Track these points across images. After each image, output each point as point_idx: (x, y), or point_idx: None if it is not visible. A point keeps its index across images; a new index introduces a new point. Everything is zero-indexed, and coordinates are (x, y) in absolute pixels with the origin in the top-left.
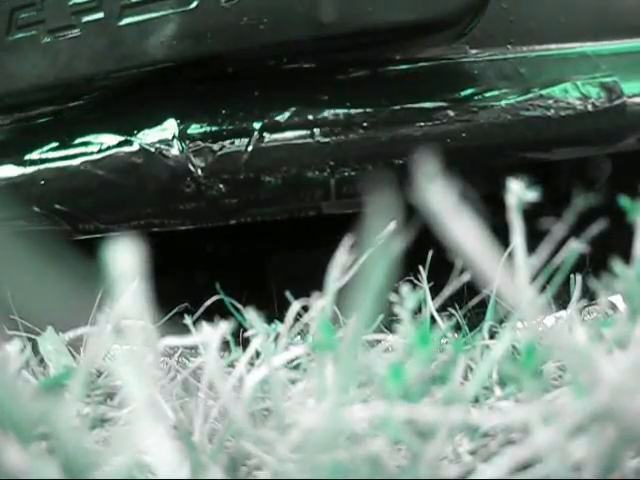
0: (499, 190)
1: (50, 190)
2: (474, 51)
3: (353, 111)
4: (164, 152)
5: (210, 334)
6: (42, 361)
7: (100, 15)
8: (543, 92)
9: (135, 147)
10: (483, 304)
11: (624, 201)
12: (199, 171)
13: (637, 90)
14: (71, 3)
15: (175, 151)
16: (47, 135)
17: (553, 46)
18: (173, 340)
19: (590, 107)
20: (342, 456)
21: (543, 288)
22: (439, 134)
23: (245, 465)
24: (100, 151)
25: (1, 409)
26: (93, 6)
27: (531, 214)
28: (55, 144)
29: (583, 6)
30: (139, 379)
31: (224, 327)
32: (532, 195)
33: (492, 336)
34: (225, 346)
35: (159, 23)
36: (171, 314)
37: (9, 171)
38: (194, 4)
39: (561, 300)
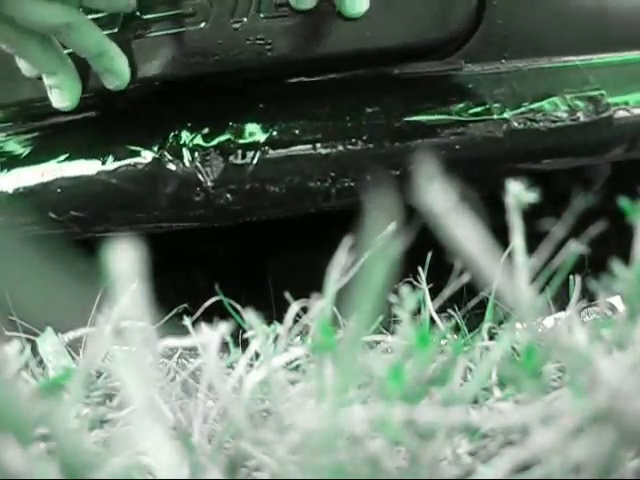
0: (498, 191)
1: (66, 197)
2: (469, 65)
3: (352, 124)
4: (175, 163)
5: (209, 335)
6: (41, 362)
7: (113, 30)
8: (533, 106)
9: (148, 158)
10: (482, 305)
11: (623, 202)
12: (208, 181)
13: (623, 102)
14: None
15: (185, 162)
16: (63, 145)
17: (546, 60)
18: (172, 341)
19: (577, 120)
20: (341, 457)
21: (542, 289)
22: (433, 146)
23: (244, 466)
24: (115, 161)
25: (1, 410)
26: (107, 21)
27: (530, 215)
28: (71, 154)
29: (576, 20)
30: (138, 380)
31: (223, 328)
32: (531, 196)
33: (491, 337)
34: (224, 347)
35: (171, 40)
36: (170, 315)
37: (27, 179)
38: (204, 24)
39: (560, 301)
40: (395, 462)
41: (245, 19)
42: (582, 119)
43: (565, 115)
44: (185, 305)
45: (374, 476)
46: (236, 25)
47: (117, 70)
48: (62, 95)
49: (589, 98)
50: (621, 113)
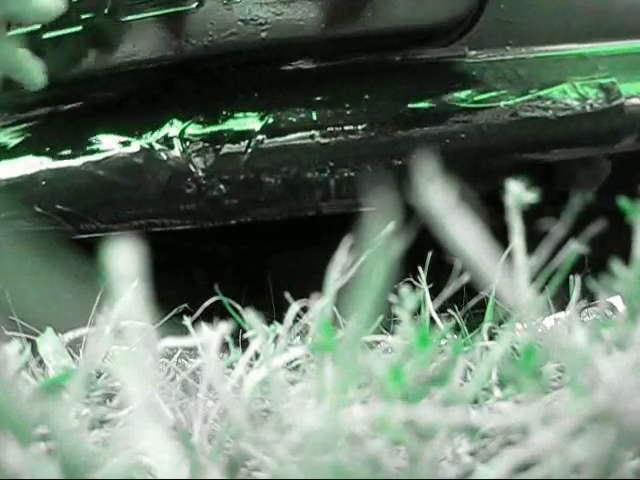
0: (498, 191)
1: (52, 190)
2: (473, 52)
3: (352, 112)
4: (165, 153)
5: (209, 335)
6: (41, 362)
7: (102, 13)
8: (541, 93)
9: (136, 148)
10: (482, 305)
11: (623, 202)
12: (200, 172)
13: (635, 91)
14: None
15: (176, 152)
16: (48, 136)
17: (551, 47)
18: (172, 341)
19: (588, 108)
20: (341, 457)
21: (542, 289)
22: (438, 135)
23: (244, 466)
24: (101, 151)
25: (1, 410)
26: (95, 4)
27: (530, 215)
28: (56, 144)
29: (581, 8)
30: (138, 380)
31: (223, 328)
32: (531, 196)
33: (491, 337)
34: (224, 347)
35: (160, 22)
36: (170, 315)
37: (11, 171)
38: (195, 4)
39: (560, 301)
40: (395, 462)
41: None
42: (593, 107)
43: (575, 103)
44: (185, 305)
45: (374, 476)
46: (230, 5)
47: (32, 79)
48: (28, 81)
49: (600, 86)
50: (633, 101)
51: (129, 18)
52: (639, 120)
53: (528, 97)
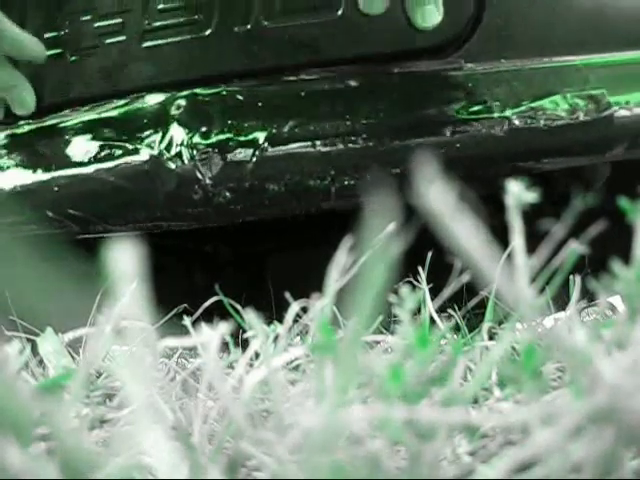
0: (498, 191)
1: (64, 196)
2: (469, 65)
3: (352, 122)
4: (173, 161)
5: (209, 335)
6: (41, 362)
7: (120, 39)
8: (534, 104)
9: (145, 156)
10: (482, 305)
11: (623, 202)
12: (206, 179)
13: (624, 101)
14: (96, 25)
15: (184, 160)
16: (60, 144)
17: (546, 59)
18: (172, 341)
19: (579, 118)
20: (341, 457)
21: (542, 289)
22: (434, 145)
23: (244, 466)
24: (112, 159)
25: (1, 410)
26: (116, 29)
27: (530, 215)
28: (69, 152)
29: (575, 20)
30: (138, 380)
31: (223, 328)
32: (531, 196)
33: (491, 337)
34: (224, 347)
35: (177, 47)
36: (170, 315)
37: (24, 178)
38: (209, 31)
39: (560, 301)
40: (395, 462)
41: (249, 26)
42: (583, 118)
43: (565, 114)
44: (185, 305)
45: (374, 476)
46: (239, 31)
47: (24, 102)
48: (19, 103)
49: (590, 97)
50: (622, 112)
51: (148, 44)
52: (628, 130)
53: (521, 108)
